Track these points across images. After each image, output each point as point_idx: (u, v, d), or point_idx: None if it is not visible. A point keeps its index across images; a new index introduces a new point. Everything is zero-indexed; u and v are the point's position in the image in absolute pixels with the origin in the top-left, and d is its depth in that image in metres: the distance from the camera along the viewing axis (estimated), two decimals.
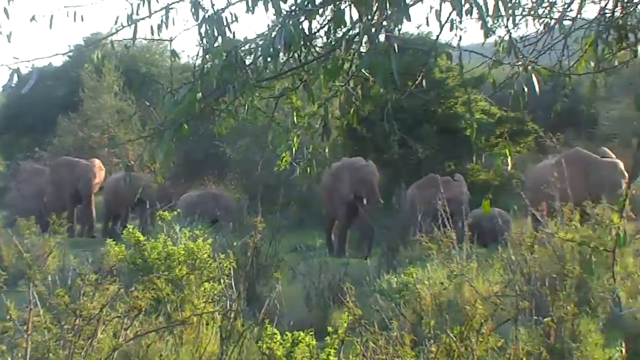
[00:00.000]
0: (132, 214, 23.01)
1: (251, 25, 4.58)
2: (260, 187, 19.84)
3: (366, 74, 3.87)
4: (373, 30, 3.51)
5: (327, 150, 5.65)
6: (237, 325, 7.19)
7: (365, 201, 18.53)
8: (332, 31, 3.73)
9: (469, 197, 18.14)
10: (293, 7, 3.67)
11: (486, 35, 3.81)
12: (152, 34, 3.96)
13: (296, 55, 3.91)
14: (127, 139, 24.20)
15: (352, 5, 3.60)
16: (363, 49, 3.66)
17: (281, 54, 3.72)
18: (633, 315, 8.53)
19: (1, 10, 4.06)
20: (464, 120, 22.57)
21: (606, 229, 9.26)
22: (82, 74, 30.21)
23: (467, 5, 3.49)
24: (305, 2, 3.63)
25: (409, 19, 3.53)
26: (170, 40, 4.17)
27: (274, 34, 3.61)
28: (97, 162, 24.03)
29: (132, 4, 3.93)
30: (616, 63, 4.62)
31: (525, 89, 4.02)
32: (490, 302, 6.97)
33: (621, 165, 15.97)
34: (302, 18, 3.67)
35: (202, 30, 3.72)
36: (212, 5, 3.75)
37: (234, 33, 3.77)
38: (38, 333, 6.25)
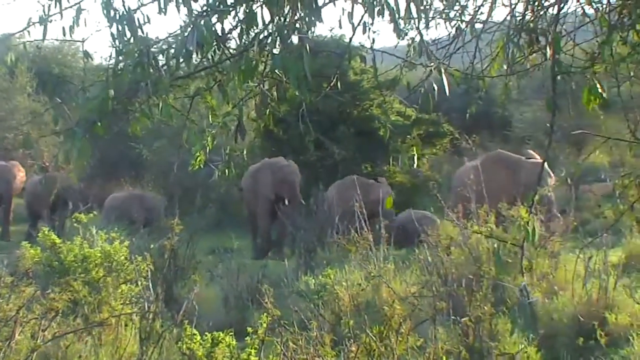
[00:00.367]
0: (53, 215, 22.50)
1: (164, 26, 4.57)
2: (177, 189, 19.72)
3: (280, 75, 3.89)
4: (285, 31, 3.53)
5: (244, 152, 5.66)
6: (155, 326, 7.17)
7: (286, 201, 18.56)
8: (244, 32, 3.73)
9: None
10: (205, 8, 3.67)
11: (398, 37, 3.86)
12: (64, 34, 3.91)
13: (210, 55, 3.90)
14: (40, 136, 23.64)
15: (264, 6, 3.62)
16: (276, 50, 3.67)
17: (194, 54, 3.71)
18: (550, 314, 8.70)
19: None
20: (379, 121, 22.74)
21: (518, 226, 9.42)
22: None
23: (378, 7, 3.54)
24: (217, 3, 3.63)
25: (321, 21, 3.56)
26: (83, 41, 4.11)
27: (186, 34, 3.60)
28: (17, 164, 23.50)
29: (43, 5, 3.88)
30: (528, 66, 4.70)
31: (436, 89, 4.09)
32: (408, 303, 7.05)
33: (546, 165, 16.23)
34: (215, 19, 3.67)
35: (114, 30, 3.68)
36: (124, 5, 3.72)
37: (146, 34, 3.75)
38: None
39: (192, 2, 3.62)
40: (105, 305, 8.03)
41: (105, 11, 3.70)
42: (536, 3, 4.41)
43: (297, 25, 3.56)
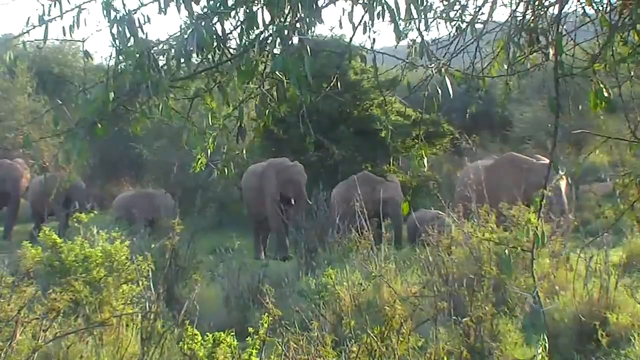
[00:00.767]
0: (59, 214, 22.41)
1: (164, 27, 4.56)
2: (178, 189, 19.72)
3: (280, 75, 3.89)
4: (285, 32, 3.52)
5: (244, 151, 5.67)
6: (157, 326, 7.18)
7: (292, 202, 18.53)
8: (245, 33, 3.72)
9: (402, 198, 18.22)
10: (205, 9, 3.66)
11: (399, 38, 3.86)
12: (64, 34, 3.90)
13: (210, 56, 3.90)
14: (40, 137, 23.58)
15: (265, 8, 3.61)
16: (276, 51, 3.67)
17: (194, 56, 3.71)
18: (551, 315, 8.69)
19: None
20: (380, 122, 22.74)
21: (523, 229, 9.42)
22: None
23: (379, 8, 3.54)
24: (218, 4, 3.63)
25: (321, 21, 3.56)
26: (83, 41, 4.10)
27: (186, 35, 3.60)
28: (23, 162, 23.45)
29: (43, 5, 3.87)
30: (528, 66, 4.69)
31: (439, 91, 4.08)
32: (409, 303, 7.05)
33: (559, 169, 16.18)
34: (215, 20, 3.67)
35: (114, 30, 3.68)
36: (124, 5, 3.72)
37: (146, 34, 3.75)
38: None
39: (192, 3, 3.62)
40: (107, 305, 8.05)
41: (105, 12, 3.69)
42: (537, 3, 4.40)
43: (298, 26, 3.56)
